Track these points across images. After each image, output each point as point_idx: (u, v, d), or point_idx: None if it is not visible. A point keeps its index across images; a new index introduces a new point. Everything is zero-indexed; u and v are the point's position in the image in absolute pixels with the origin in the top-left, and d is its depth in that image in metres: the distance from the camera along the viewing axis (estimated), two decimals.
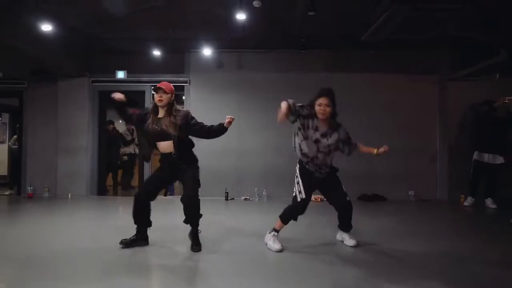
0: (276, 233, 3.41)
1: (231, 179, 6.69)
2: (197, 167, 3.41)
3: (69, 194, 6.77)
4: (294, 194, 3.35)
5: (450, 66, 6.57)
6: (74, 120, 6.93)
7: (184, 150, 3.32)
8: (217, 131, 3.34)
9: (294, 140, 3.36)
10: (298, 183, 3.32)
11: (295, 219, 3.41)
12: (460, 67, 6.25)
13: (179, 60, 6.87)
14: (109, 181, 8.01)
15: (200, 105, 6.60)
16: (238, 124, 6.69)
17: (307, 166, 3.30)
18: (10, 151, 8.66)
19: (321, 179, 3.34)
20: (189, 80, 6.80)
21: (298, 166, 3.39)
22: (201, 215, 3.36)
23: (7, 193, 7.41)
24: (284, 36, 5.97)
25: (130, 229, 3.49)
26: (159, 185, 3.45)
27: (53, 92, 6.94)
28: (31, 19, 4.84)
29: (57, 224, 4.60)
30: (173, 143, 3.23)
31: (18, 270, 2.86)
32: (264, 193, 6.59)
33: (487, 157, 5.87)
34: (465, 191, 6.18)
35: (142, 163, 7.18)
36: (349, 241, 3.51)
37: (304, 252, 3.34)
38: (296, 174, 3.37)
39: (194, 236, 3.35)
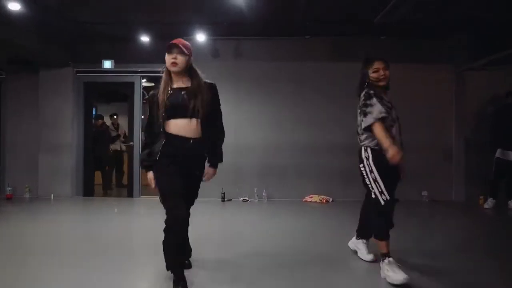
0: (389, 258, 2.57)
1: (228, 179, 6.12)
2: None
3: (52, 195, 6.22)
4: (373, 197, 2.62)
5: (468, 54, 6.00)
6: (57, 114, 6.39)
7: (207, 139, 2.44)
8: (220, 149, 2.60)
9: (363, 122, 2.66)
10: (375, 180, 2.61)
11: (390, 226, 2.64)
12: (479, 55, 5.69)
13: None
14: (97, 179, 7.47)
15: None
16: (236, 119, 6.19)
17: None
18: None
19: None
20: None
21: (369, 156, 2.66)
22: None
23: None
24: (287, 21, 5.41)
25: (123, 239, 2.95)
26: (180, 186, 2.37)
27: (34, 84, 6.39)
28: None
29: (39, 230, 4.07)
30: (197, 123, 2.35)
31: None
32: (264, 194, 6.06)
33: (511, 155, 5.34)
34: (484, 192, 5.66)
35: (132, 159, 6.64)
36: (365, 255, 2.98)
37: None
38: (370, 169, 2.64)
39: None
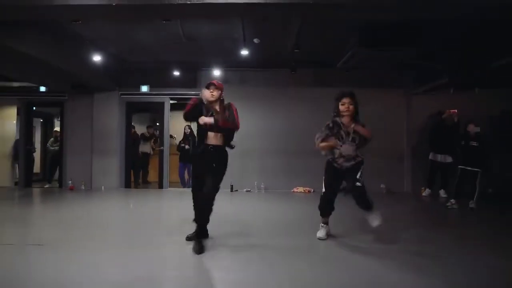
0: (324, 225, 4.03)
1: (235, 174, 8.16)
2: (225, 169, 3.76)
3: (103, 187, 8.24)
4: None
5: (414, 82, 8.04)
6: (105, 126, 8.41)
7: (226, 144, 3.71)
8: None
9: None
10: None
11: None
12: (419, 84, 7.73)
13: (192, 76, 8.34)
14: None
15: None
16: (242, 129, 8.16)
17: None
18: (47, 152, 10.10)
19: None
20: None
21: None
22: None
23: (46, 186, 8.90)
24: (278, 61, 7.45)
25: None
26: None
27: (89, 103, 8.42)
28: (81, 50, 6.34)
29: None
30: (221, 135, 3.63)
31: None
32: (262, 186, 8.08)
33: (439, 157, 7.33)
34: (425, 185, 7.68)
35: (162, 161, 8.64)
36: (371, 221, 3.83)
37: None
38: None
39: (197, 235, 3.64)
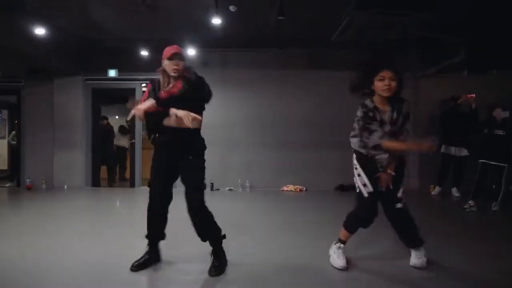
0: (342, 245, 2.89)
1: (216, 171, 7.12)
2: (203, 161, 2.82)
3: (65, 186, 7.22)
4: (357, 191, 2.82)
5: (421, 64, 6.97)
6: (69, 115, 7.37)
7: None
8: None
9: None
10: (359, 175, 2.80)
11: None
12: (429, 65, 6.66)
13: None
14: (103, 173, 8.46)
15: None
16: (224, 119, 7.17)
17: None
18: (10, 146, 9.11)
19: None
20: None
21: (354, 156, 2.88)
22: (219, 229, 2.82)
23: (7, 185, 7.88)
24: (262, 37, 6.38)
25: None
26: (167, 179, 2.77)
27: (49, 90, 7.38)
28: (25, 22, 5.27)
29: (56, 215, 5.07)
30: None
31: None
32: (247, 184, 7.04)
33: (453, 150, 6.29)
34: (434, 182, 6.63)
35: (134, 157, 7.62)
36: (413, 259, 2.85)
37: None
38: (355, 167, 2.85)
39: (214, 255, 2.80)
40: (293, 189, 7.02)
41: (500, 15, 4.74)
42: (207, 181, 7.38)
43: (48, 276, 2.66)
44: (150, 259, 2.82)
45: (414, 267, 2.79)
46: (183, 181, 2.73)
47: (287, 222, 4.36)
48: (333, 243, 2.92)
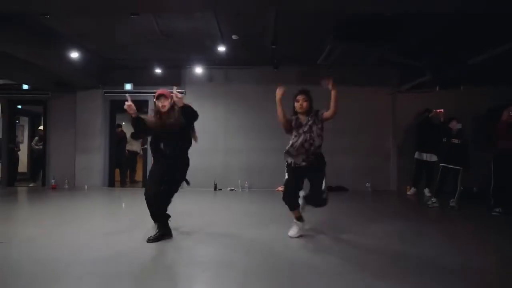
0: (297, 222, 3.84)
1: (219, 173, 8.09)
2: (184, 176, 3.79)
3: (85, 186, 8.16)
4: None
5: (399, 80, 7.94)
6: (89, 124, 8.34)
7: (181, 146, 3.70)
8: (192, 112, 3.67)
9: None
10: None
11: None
12: (405, 82, 7.63)
13: (176, 74, 8.27)
14: (117, 176, 9.38)
15: None
16: (226, 127, 8.15)
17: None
18: (31, 151, 10.05)
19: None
20: (185, 92, 8.20)
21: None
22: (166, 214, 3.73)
23: (30, 185, 8.82)
24: (260, 57, 7.38)
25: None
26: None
27: (72, 101, 8.36)
28: (59, 46, 6.27)
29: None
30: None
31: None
32: (246, 185, 7.99)
33: (425, 156, 7.22)
34: (410, 183, 7.57)
35: (146, 161, 8.57)
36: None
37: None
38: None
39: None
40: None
41: (460, 38, 5.65)
42: (211, 181, 8.30)
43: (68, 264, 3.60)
44: (162, 235, 3.66)
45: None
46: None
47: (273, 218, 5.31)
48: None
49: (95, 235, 3.94)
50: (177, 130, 3.61)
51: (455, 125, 5.74)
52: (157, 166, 3.72)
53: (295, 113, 3.82)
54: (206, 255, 3.31)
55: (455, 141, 5.71)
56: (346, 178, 8.06)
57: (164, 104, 3.60)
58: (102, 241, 3.70)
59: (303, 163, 3.65)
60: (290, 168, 3.75)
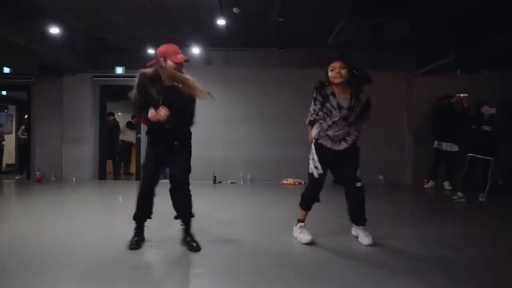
0: (301, 223, 3.21)
1: (219, 165, 7.44)
2: (190, 152, 3.10)
3: (74, 178, 7.52)
4: (310, 172, 3.15)
5: (415, 63, 7.26)
6: (77, 111, 7.66)
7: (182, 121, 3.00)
8: None
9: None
10: (312, 158, 3.15)
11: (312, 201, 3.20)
12: (422, 65, 6.95)
13: None
14: (109, 167, 8.76)
15: None
16: (226, 115, 7.48)
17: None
18: (18, 141, 9.40)
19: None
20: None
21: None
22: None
23: (17, 177, 8.18)
24: (263, 37, 6.68)
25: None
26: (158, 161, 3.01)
27: (58, 86, 7.67)
28: (39, 23, 5.57)
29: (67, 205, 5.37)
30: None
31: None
32: (248, 177, 7.34)
33: (445, 146, 6.59)
34: (428, 176, 6.93)
35: (139, 151, 7.92)
36: (363, 238, 3.09)
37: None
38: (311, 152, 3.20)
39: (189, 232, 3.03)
40: (292, 183, 7.32)
41: (488, 17, 5.01)
42: (210, 174, 7.67)
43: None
44: (140, 239, 3.02)
45: (365, 244, 3.03)
46: (170, 164, 2.99)
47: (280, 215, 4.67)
48: (294, 226, 3.25)
49: (82, 238, 3.31)
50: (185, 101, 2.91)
51: (487, 110, 5.06)
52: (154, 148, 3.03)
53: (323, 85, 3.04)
54: (207, 264, 2.67)
55: (486, 128, 5.04)
56: None
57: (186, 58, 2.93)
58: (88, 249, 3.07)
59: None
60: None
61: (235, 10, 5.20)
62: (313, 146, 3.20)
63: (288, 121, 7.48)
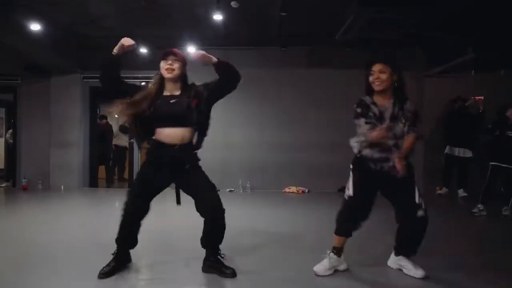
0: (333, 255, 2.63)
1: (216, 171, 6.92)
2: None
3: (62, 186, 7.05)
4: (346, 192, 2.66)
5: (425, 63, 6.81)
6: (66, 114, 7.21)
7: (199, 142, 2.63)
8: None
9: None
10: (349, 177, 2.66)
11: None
12: (435, 64, 6.49)
13: None
14: (101, 173, 8.30)
15: None
16: (224, 119, 7.00)
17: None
18: (7, 145, 8.95)
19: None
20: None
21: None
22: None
23: (3, 185, 7.72)
24: (264, 35, 6.23)
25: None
26: (153, 191, 2.56)
27: (46, 88, 7.21)
28: (20, 19, 5.12)
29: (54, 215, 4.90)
30: (189, 131, 2.51)
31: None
32: (248, 185, 6.88)
33: (457, 151, 6.15)
34: (439, 183, 6.48)
35: (132, 156, 7.47)
36: (414, 271, 2.57)
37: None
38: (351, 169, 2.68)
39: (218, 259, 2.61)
40: (295, 191, 6.86)
41: (506, 14, 4.59)
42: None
43: None
44: (117, 267, 2.56)
45: (417, 277, 2.54)
46: (191, 190, 2.57)
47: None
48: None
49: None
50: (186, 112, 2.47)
51: None
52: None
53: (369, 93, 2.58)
54: None
55: (511, 134, 4.58)
56: None
57: (173, 67, 2.48)
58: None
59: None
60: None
61: (233, 4, 4.74)
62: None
63: (291, 124, 7.04)
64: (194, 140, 2.60)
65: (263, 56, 7.06)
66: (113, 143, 8.95)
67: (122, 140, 9.13)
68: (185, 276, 2.64)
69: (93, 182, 7.48)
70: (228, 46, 6.95)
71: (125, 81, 2.68)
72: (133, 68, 7.08)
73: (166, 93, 2.53)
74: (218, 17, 4.84)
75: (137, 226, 2.59)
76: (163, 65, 2.50)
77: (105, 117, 8.64)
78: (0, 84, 7.36)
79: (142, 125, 2.51)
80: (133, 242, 2.64)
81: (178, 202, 2.66)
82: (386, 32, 5.12)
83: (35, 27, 5.00)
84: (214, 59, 2.55)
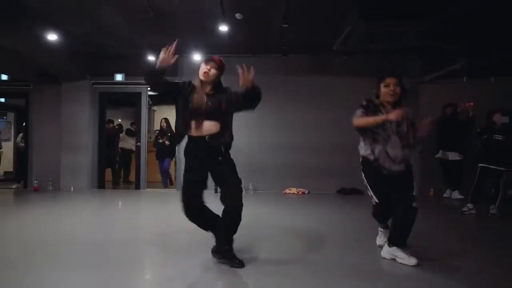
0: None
1: None
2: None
3: (72, 188, 7.33)
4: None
5: (420, 70, 7.10)
6: (76, 119, 7.50)
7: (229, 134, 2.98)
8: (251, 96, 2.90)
9: None
10: (366, 186, 3.12)
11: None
12: (429, 71, 6.80)
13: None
14: (108, 176, 8.57)
15: None
16: None
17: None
18: (17, 148, 9.24)
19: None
20: None
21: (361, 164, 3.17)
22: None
23: (14, 186, 8.00)
24: (266, 43, 6.54)
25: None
26: (198, 178, 2.90)
27: (56, 93, 7.51)
28: (38, 29, 5.43)
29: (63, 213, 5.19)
30: (220, 123, 2.88)
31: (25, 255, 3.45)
32: (250, 187, 7.16)
33: (450, 155, 6.43)
34: (434, 185, 6.76)
35: (139, 159, 7.75)
36: (408, 259, 2.87)
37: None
38: (363, 176, 3.14)
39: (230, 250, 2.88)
40: (296, 192, 7.14)
41: (497, 23, 4.87)
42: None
43: None
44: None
45: (410, 265, 2.85)
46: (219, 180, 2.91)
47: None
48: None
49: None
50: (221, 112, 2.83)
51: (499, 119, 4.91)
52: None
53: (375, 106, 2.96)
54: None
55: (498, 137, 4.87)
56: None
57: (210, 72, 2.81)
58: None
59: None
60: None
61: (237, 16, 5.06)
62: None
63: (291, 128, 7.34)
64: (224, 133, 2.93)
65: (265, 64, 7.33)
66: (120, 146, 9.23)
67: (128, 143, 9.40)
68: (185, 274, 2.78)
69: (101, 184, 7.75)
70: (231, 53, 7.25)
71: (169, 81, 2.93)
72: (140, 75, 7.38)
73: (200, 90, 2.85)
74: (223, 28, 5.15)
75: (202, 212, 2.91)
76: (203, 67, 2.82)
77: (112, 122, 8.92)
78: (13, 89, 7.68)
79: (180, 119, 2.85)
80: (210, 225, 2.95)
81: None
82: (383, 43, 5.40)
83: (52, 37, 5.31)
84: (254, 85, 2.86)
